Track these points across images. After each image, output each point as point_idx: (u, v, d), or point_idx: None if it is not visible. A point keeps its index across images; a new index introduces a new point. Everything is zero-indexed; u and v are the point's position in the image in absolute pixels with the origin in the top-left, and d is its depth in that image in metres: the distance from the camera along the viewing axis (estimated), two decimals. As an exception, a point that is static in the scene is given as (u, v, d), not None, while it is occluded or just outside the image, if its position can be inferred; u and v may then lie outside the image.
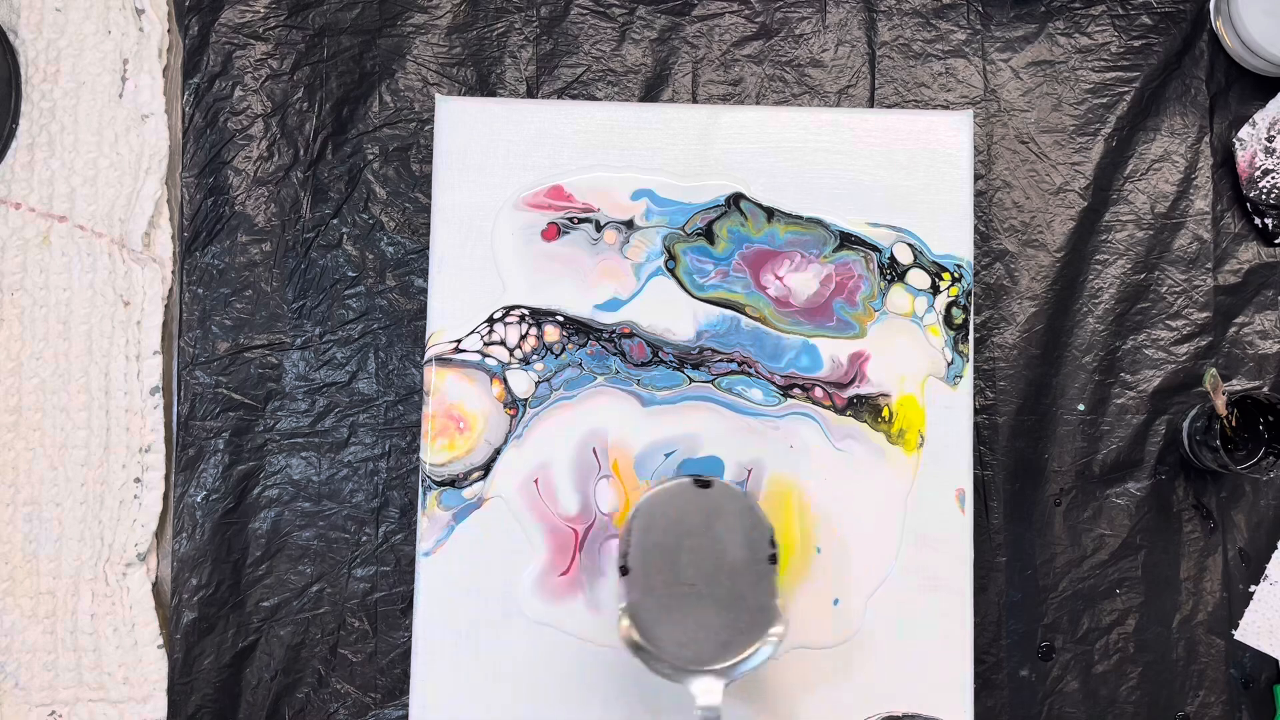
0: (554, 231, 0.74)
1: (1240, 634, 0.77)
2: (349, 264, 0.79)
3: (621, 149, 0.75)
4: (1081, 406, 0.79)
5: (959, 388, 0.73)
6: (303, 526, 0.78)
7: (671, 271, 0.74)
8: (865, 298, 0.74)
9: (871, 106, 0.80)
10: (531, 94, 0.80)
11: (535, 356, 0.74)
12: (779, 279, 0.74)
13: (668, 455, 0.73)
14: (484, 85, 0.80)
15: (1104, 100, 0.80)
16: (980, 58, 0.81)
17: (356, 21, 0.81)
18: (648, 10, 0.81)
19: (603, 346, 0.74)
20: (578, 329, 0.74)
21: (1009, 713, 0.77)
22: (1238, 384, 0.79)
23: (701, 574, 0.68)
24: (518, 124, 0.75)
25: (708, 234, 0.74)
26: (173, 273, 0.80)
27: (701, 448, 0.73)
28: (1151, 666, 0.77)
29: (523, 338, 0.74)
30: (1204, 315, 0.79)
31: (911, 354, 0.74)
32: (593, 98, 0.80)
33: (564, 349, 0.74)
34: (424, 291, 0.78)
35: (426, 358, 0.74)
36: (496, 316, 0.74)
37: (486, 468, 0.73)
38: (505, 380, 0.74)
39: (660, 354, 0.74)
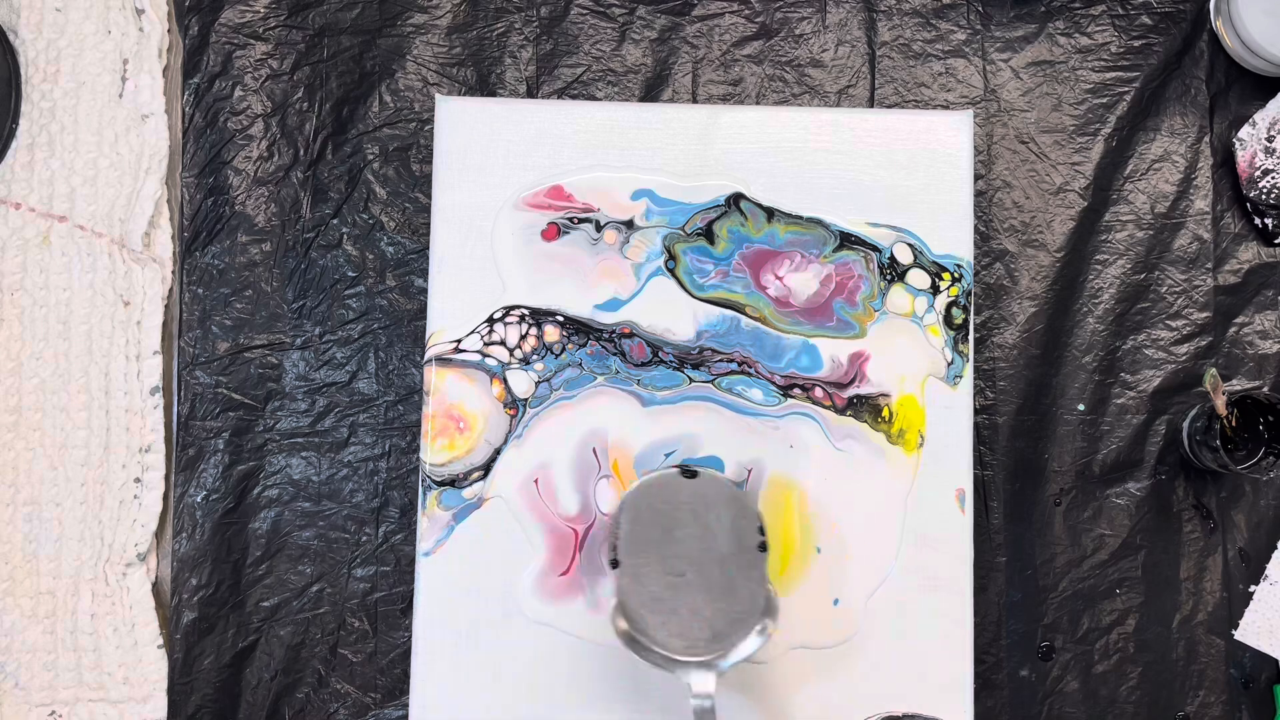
0: (554, 231, 0.74)
1: (1240, 634, 0.77)
2: (349, 264, 0.79)
3: (621, 149, 0.75)
4: (1081, 406, 0.79)
5: (959, 388, 0.73)
6: (303, 526, 0.78)
7: (671, 271, 0.74)
8: (865, 298, 0.74)
9: (871, 106, 0.80)
10: (531, 94, 0.80)
11: (535, 356, 0.74)
12: (779, 279, 0.74)
13: (668, 455, 0.73)
14: (484, 85, 0.80)
15: (1104, 100, 0.80)
16: (980, 58, 0.81)
17: (356, 21, 0.81)
18: (648, 10, 0.81)
19: (603, 346, 0.74)
20: (578, 329, 0.74)
21: (1009, 713, 0.77)
22: (1238, 384, 0.79)
23: (691, 563, 0.68)
24: (518, 124, 0.75)
25: (708, 234, 0.74)
26: (173, 273, 0.80)
27: (701, 448, 0.73)
28: (1151, 666, 0.77)
29: (523, 338, 0.74)
30: (1204, 315, 0.79)
31: (911, 354, 0.74)
32: (593, 98, 0.80)
33: (564, 349, 0.74)
34: (424, 291, 0.78)
35: (426, 358, 0.74)
36: (496, 316, 0.74)
37: (486, 468, 0.73)
38: (505, 380, 0.74)
39: (660, 354, 0.74)
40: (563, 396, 0.73)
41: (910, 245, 0.74)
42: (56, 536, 0.78)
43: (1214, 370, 0.74)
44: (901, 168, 0.75)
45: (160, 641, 0.77)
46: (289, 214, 0.80)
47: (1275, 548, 0.78)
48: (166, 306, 0.80)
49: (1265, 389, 0.78)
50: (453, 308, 0.74)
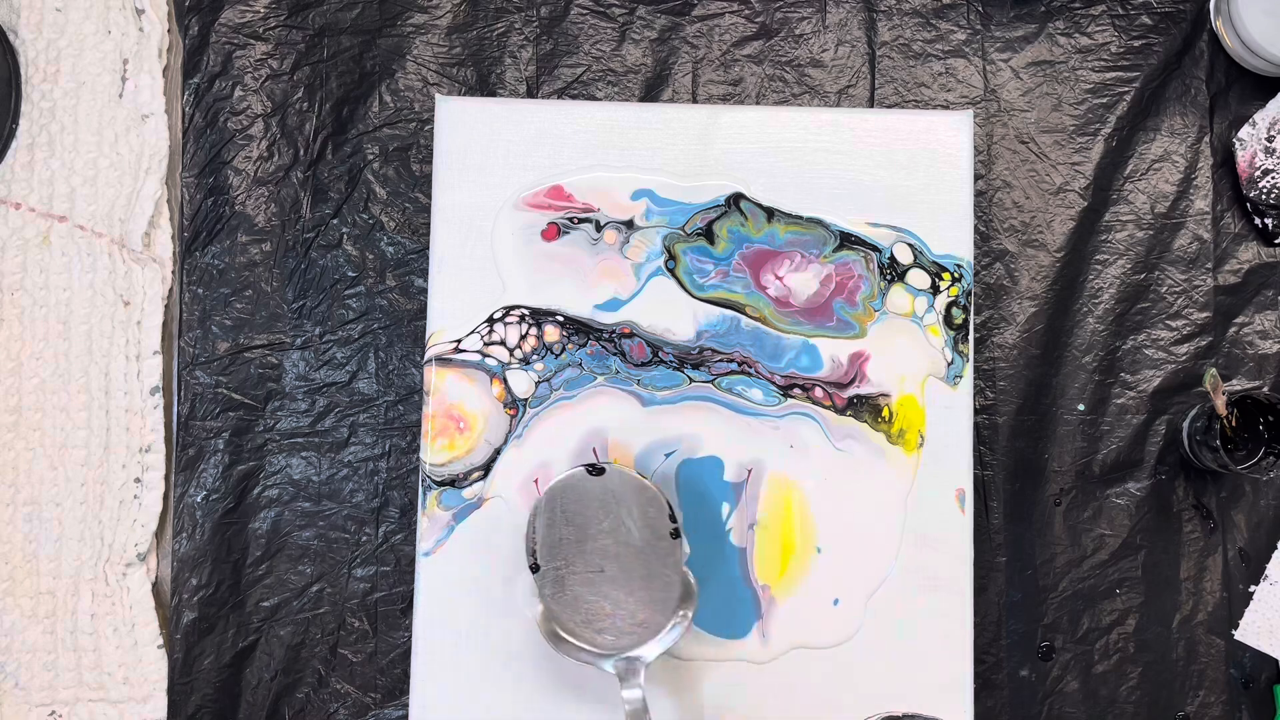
0: (554, 231, 0.74)
1: (1240, 634, 0.77)
2: (349, 264, 0.79)
3: (621, 149, 0.75)
4: (1081, 406, 0.79)
5: (959, 388, 0.73)
6: (303, 526, 0.78)
7: (671, 271, 0.74)
8: (865, 298, 0.74)
9: (871, 106, 0.80)
10: (531, 94, 0.80)
11: (535, 356, 0.74)
12: (779, 279, 0.74)
13: (668, 455, 0.73)
14: (484, 85, 0.80)
15: (1104, 100, 0.80)
16: (980, 58, 0.81)
17: (356, 21, 0.81)
18: (648, 10, 0.81)
19: (603, 346, 0.74)
20: (578, 329, 0.74)
21: (1009, 713, 0.77)
22: (1238, 384, 0.79)
23: (609, 559, 0.69)
24: (518, 124, 0.75)
25: (708, 234, 0.74)
26: (173, 273, 0.80)
27: (701, 448, 0.73)
28: (1151, 666, 0.77)
29: (523, 338, 0.74)
30: (1204, 315, 0.79)
31: (911, 354, 0.74)
32: (593, 98, 0.80)
33: (564, 349, 0.74)
34: (424, 291, 0.78)
35: (426, 358, 0.74)
36: (496, 316, 0.74)
37: (486, 468, 0.73)
38: (505, 380, 0.74)
39: (660, 354, 0.74)
40: (563, 396, 0.73)
41: (910, 245, 0.74)
42: (56, 536, 0.78)
43: (1214, 370, 0.74)
44: (901, 168, 0.75)
45: (160, 641, 0.77)
46: (289, 214, 0.80)
47: (1275, 548, 0.78)
48: (166, 306, 0.80)
49: (1265, 389, 0.78)
50: (453, 308, 0.74)
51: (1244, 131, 0.79)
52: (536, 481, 0.73)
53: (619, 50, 0.81)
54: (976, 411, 0.77)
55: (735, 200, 0.74)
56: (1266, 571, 0.78)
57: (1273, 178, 0.78)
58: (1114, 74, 0.81)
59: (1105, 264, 0.80)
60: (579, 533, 0.69)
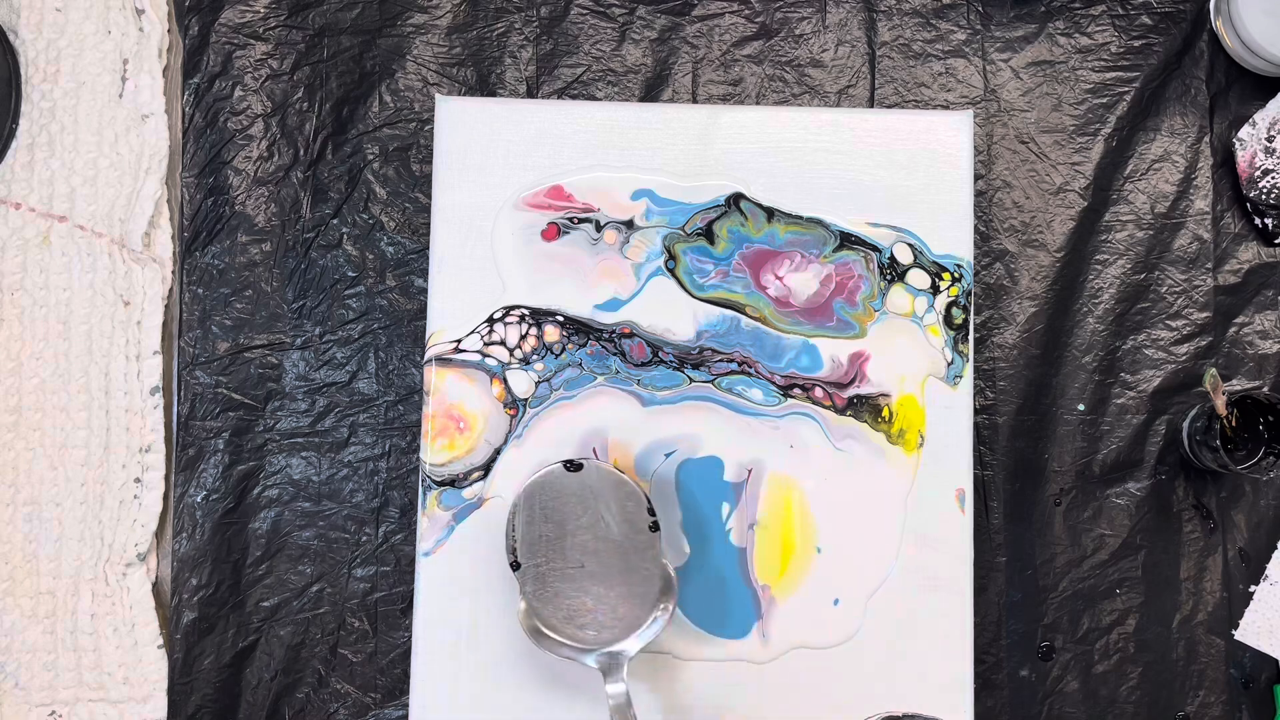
0: (554, 231, 0.74)
1: (1240, 634, 0.77)
2: (349, 264, 0.79)
3: (621, 149, 0.75)
4: (1081, 406, 0.79)
5: (959, 388, 0.73)
6: (303, 526, 0.78)
7: (671, 271, 0.74)
8: (865, 298, 0.74)
9: (871, 106, 0.80)
10: (531, 94, 0.80)
11: (535, 356, 0.74)
12: (779, 279, 0.74)
13: (668, 455, 0.73)
14: (484, 85, 0.80)
15: (1104, 100, 0.80)
16: (980, 58, 0.81)
17: (356, 21, 0.81)
18: (648, 10, 0.81)
19: (603, 346, 0.74)
20: (578, 329, 0.74)
21: (1009, 713, 0.77)
22: (1238, 384, 0.79)
23: (589, 554, 0.69)
24: (518, 124, 0.75)
25: (708, 234, 0.74)
26: (173, 273, 0.80)
27: (701, 448, 0.73)
28: (1151, 666, 0.77)
29: (523, 338, 0.74)
30: (1204, 315, 0.79)
31: (911, 354, 0.74)
32: (593, 98, 0.80)
33: (564, 349, 0.74)
34: (424, 291, 0.78)
35: (426, 358, 0.74)
36: (496, 316, 0.74)
37: (486, 468, 0.73)
38: (505, 380, 0.74)
39: (660, 354, 0.74)
40: (563, 396, 0.73)
41: (910, 245, 0.74)
42: (56, 536, 0.78)
43: (1214, 370, 0.74)
44: (901, 168, 0.75)
45: (160, 641, 0.77)
46: (289, 214, 0.80)
47: (1275, 548, 0.78)
48: (166, 306, 0.80)
49: (1265, 389, 0.78)
50: (453, 308, 0.74)
51: (1244, 131, 0.79)
52: (536, 481, 0.73)
53: (619, 50, 0.81)
54: (976, 411, 0.77)
55: (735, 200, 0.74)
56: (1266, 571, 0.78)
57: (1273, 178, 0.78)
58: (1114, 74, 0.81)
59: (1105, 264, 0.80)
60: (558, 529, 0.70)
